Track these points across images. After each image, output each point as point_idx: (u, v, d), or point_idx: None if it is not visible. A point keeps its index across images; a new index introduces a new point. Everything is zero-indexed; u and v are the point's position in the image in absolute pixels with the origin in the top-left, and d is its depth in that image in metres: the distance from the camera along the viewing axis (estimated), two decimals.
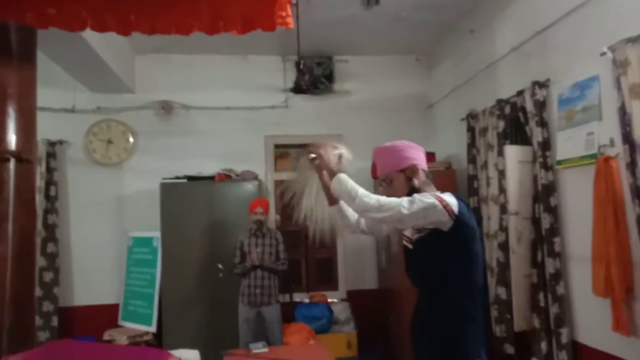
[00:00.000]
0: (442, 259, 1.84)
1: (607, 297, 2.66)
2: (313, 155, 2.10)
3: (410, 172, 1.97)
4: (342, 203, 2.13)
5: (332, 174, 1.99)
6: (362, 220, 2.17)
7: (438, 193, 1.87)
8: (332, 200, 2.15)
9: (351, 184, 1.93)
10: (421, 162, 2.02)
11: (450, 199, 1.81)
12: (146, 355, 1.70)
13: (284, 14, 2.20)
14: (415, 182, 1.96)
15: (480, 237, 4.14)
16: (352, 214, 2.16)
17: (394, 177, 1.99)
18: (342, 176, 1.96)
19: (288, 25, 2.27)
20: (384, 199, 1.82)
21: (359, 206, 1.84)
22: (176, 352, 2.01)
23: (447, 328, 1.81)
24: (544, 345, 3.24)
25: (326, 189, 2.09)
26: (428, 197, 1.79)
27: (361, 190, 1.88)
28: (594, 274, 2.75)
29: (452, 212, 1.77)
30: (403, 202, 1.78)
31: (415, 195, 1.81)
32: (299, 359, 2.87)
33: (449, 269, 1.83)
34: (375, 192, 1.92)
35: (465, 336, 1.80)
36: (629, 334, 2.60)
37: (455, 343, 1.79)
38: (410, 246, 1.96)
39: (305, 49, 5.03)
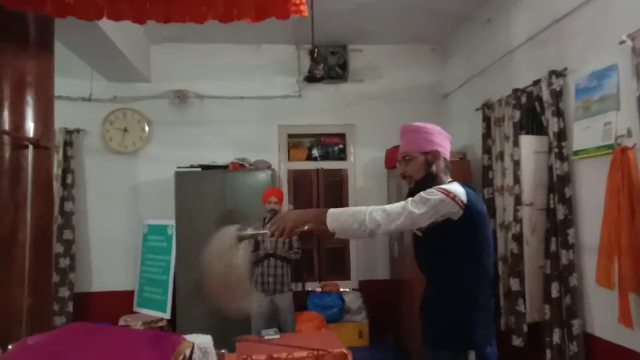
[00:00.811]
0: (453, 248, 1.82)
1: (612, 288, 2.65)
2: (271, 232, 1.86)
3: (432, 157, 1.93)
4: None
5: (319, 218, 1.80)
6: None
7: (444, 186, 1.82)
8: (329, 234, 1.89)
9: (349, 210, 1.78)
10: (446, 150, 1.98)
11: (457, 188, 1.79)
12: (160, 339, 1.73)
13: (298, 2, 2.20)
14: (434, 168, 1.92)
15: (494, 228, 4.16)
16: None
17: (414, 157, 1.94)
18: (334, 210, 1.78)
19: (302, 13, 2.27)
20: (389, 207, 1.74)
21: (370, 225, 1.71)
22: (189, 337, 2.03)
23: (457, 317, 1.81)
24: (556, 337, 3.22)
25: (315, 231, 1.91)
26: (434, 194, 1.75)
27: (361, 208, 1.75)
28: (599, 265, 2.74)
29: (462, 202, 1.75)
30: (410, 206, 1.72)
31: (421, 193, 1.76)
32: (310, 346, 2.89)
33: (460, 257, 1.82)
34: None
35: (475, 325, 1.79)
36: (632, 327, 2.57)
37: (465, 332, 1.79)
38: (420, 234, 1.95)
39: (319, 38, 5.01)
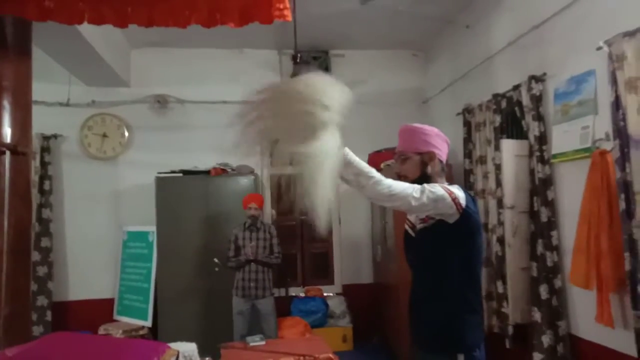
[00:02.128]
0: (446, 251, 1.83)
1: (590, 288, 2.71)
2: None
3: (427, 157, 1.94)
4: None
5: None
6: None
7: (446, 185, 1.85)
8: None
9: (357, 165, 1.69)
10: (442, 152, 1.99)
11: (458, 192, 1.80)
12: (144, 347, 1.70)
13: (281, 6, 2.19)
14: (429, 169, 1.93)
15: None
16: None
17: (409, 157, 1.96)
18: (350, 154, 1.71)
19: (286, 18, 2.26)
20: (394, 187, 1.70)
21: (368, 192, 1.70)
22: (174, 345, 2.01)
23: (448, 319, 1.82)
24: (545, 339, 3.23)
25: None
26: (438, 189, 1.76)
27: (369, 172, 1.68)
28: (573, 264, 2.80)
29: (460, 205, 1.77)
30: (414, 193, 1.71)
31: (425, 185, 1.77)
32: (296, 352, 2.87)
33: (452, 260, 1.83)
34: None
35: (466, 328, 1.80)
36: (613, 326, 2.63)
37: (456, 335, 1.80)
38: (412, 233, 1.96)
39: (301, 42, 5.01)
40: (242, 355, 3.03)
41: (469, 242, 1.84)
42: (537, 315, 3.28)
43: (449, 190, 1.78)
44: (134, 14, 2.17)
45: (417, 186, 1.76)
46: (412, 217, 1.99)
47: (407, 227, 2.02)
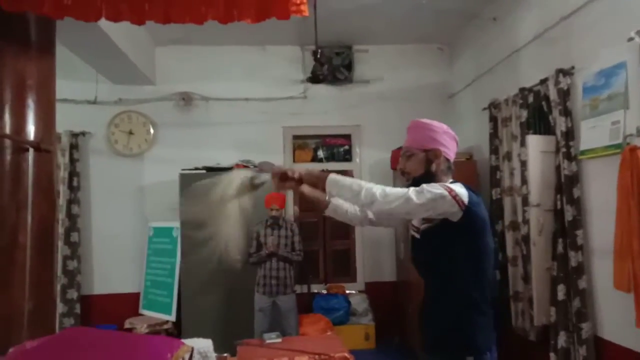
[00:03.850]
0: (451, 251, 1.78)
1: (630, 292, 2.58)
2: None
3: (432, 155, 1.88)
4: (334, 204, 2.06)
5: (321, 179, 1.87)
6: (369, 211, 2.08)
7: (448, 183, 1.80)
8: (322, 205, 2.07)
9: (349, 180, 1.83)
10: (449, 150, 1.92)
11: (460, 189, 1.74)
12: (158, 343, 1.71)
13: (298, 1, 2.17)
14: (434, 167, 1.88)
15: (502, 229, 4.10)
16: (352, 209, 2.08)
17: (414, 153, 1.91)
18: (335, 176, 1.84)
19: (303, 13, 2.24)
20: (389, 189, 1.74)
21: (365, 198, 1.74)
22: (189, 341, 2.01)
23: (456, 321, 1.76)
24: (562, 340, 3.14)
25: (310, 197, 2.02)
26: (437, 188, 1.71)
27: (364, 183, 1.79)
28: (615, 268, 2.66)
29: (462, 202, 1.71)
30: (410, 193, 1.70)
31: (424, 185, 1.73)
32: (312, 350, 2.86)
33: (458, 260, 1.78)
34: (395, 182, 1.86)
35: (475, 329, 1.75)
36: None
37: (465, 337, 1.74)
38: (417, 236, 1.91)
39: (324, 38, 4.99)
40: (257, 352, 3.04)
41: (475, 240, 1.78)
42: (554, 316, 3.17)
43: (449, 188, 1.72)
44: (151, 11, 2.18)
45: (414, 187, 1.73)
46: (415, 221, 1.94)
47: (412, 231, 1.97)
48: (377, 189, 1.74)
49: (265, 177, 4.96)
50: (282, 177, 2.00)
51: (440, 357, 1.79)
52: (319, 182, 1.89)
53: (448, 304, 1.80)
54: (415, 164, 1.90)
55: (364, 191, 1.74)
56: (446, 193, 1.69)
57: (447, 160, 1.91)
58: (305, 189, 1.99)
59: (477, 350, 1.73)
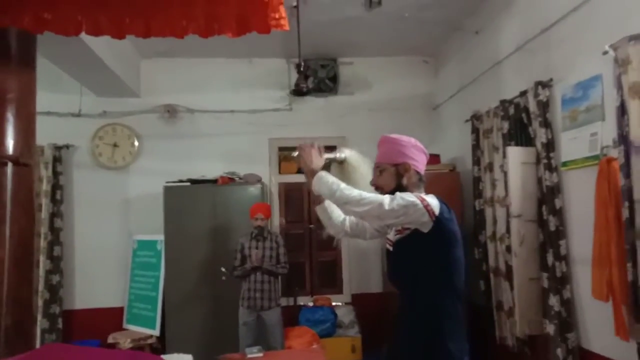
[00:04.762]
0: (422, 261, 1.82)
1: (605, 300, 2.61)
2: (296, 154, 2.08)
3: (402, 168, 1.94)
4: (327, 203, 2.12)
5: (312, 173, 1.95)
6: (347, 222, 2.15)
7: (421, 194, 1.85)
8: (318, 200, 2.15)
9: (332, 179, 1.90)
10: (419, 163, 1.98)
11: (432, 200, 1.80)
12: (135, 359, 1.69)
13: (277, 15, 2.18)
14: (404, 180, 1.93)
15: (484, 240, 4.13)
16: (337, 215, 2.15)
17: (385, 168, 1.97)
18: (322, 174, 1.93)
19: (283, 27, 2.25)
20: (365, 193, 1.81)
21: (340, 198, 1.82)
22: (170, 357, 2.00)
23: (429, 332, 1.78)
24: (559, 352, 3.11)
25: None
26: (410, 196, 1.78)
27: (343, 185, 1.86)
28: (593, 277, 2.69)
29: (433, 212, 1.76)
30: (384, 199, 1.77)
31: (398, 193, 1.80)
32: None
33: (429, 271, 1.81)
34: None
35: (448, 338, 1.77)
36: (628, 339, 2.54)
37: (438, 348, 1.76)
38: (390, 248, 1.94)
39: (309, 51, 5.03)
40: None
41: (445, 251, 1.82)
42: (550, 328, 3.17)
43: (422, 197, 1.79)
44: (131, 25, 2.18)
45: (388, 194, 1.80)
46: (390, 235, 1.97)
47: (387, 245, 2.01)
48: (354, 192, 1.81)
49: (251, 188, 4.92)
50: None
51: None
52: (310, 176, 1.97)
53: (420, 315, 1.82)
54: (387, 179, 1.96)
55: (339, 192, 1.82)
56: (418, 202, 1.75)
57: (418, 173, 1.97)
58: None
59: (452, 359, 1.74)
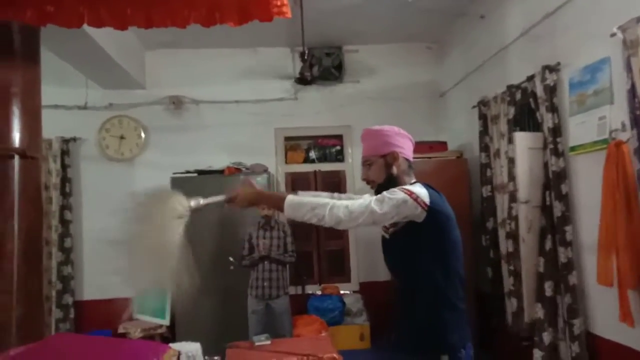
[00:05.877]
0: (419, 249, 1.81)
1: (610, 285, 2.59)
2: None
3: (390, 158, 1.92)
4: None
5: (275, 203, 1.90)
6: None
7: (407, 186, 1.82)
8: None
9: (308, 202, 1.78)
10: (406, 150, 1.96)
11: (419, 189, 1.77)
12: (144, 348, 1.71)
13: (279, 3, 2.17)
14: (394, 169, 1.91)
15: (494, 226, 4.11)
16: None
17: (374, 161, 1.95)
18: (292, 199, 1.81)
19: (285, 14, 2.23)
20: (351, 204, 1.74)
21: (331, 221, 1.74)
22: (177, 345, 2.02)
23: (428, 319, 1.78)
24: (546, 336, 3.14)
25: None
26: (397, 194, 1.74)
27: (322, 203, 1.76)
28: (599, 263, 2.68)
29: (424, 203, 1.74)
30: (372, 205, 1.72)
31: (384, 193, 1.76)
32: (300, 351, 2.87)
33: (427, 258, 1.80)
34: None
35: (448, 327, 1.77)
36: (633, 325, 2.53)
37: (438, 335, 1.76)
38: (387, 236, 1.93)
39: (313, 39, 5.00)
40: (247, 354, 3.05)
41: (441, 237, 1.81)
42: (540, 313, 3.17)
43: (409, 191, 1.75)
44: (133, 16, 2.18)
45: (374, 197, 1.75)
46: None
47: (382, 232, 2.00)
48: (340, 209, 1.73)
49: (257, 178, 4.91)
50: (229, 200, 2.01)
51: (415, 357, 1.80)
52: (276, 206, 1.89)
53: (420, 303, 1.82)
54: (377, 171, 1.94)
55: (327, 215, 1.73)
56: (407, 197, 1.72)
57: (407, 160, 1.95)
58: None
59: (452, 348, 1.74)
